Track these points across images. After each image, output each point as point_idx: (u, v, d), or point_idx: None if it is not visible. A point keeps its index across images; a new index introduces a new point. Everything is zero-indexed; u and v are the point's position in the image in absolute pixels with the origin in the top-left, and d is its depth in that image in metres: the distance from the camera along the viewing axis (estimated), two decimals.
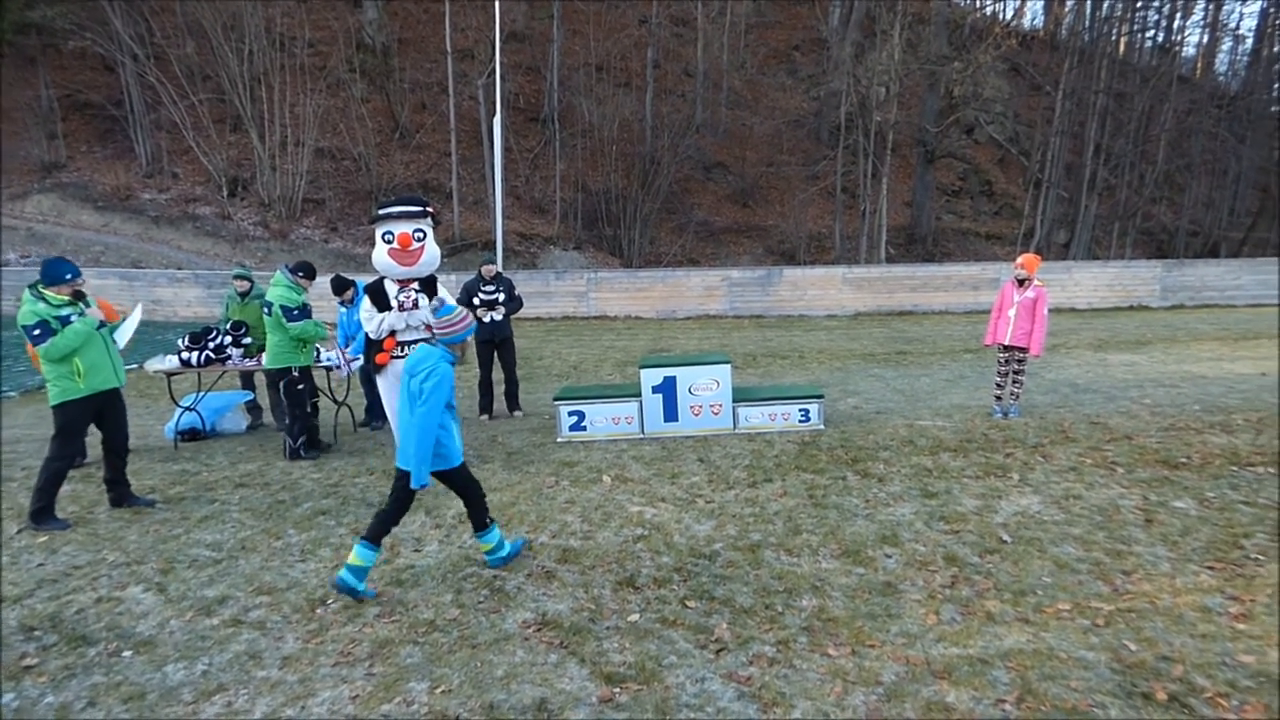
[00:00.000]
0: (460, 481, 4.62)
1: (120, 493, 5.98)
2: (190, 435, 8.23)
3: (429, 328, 6.71)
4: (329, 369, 8.07)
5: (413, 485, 4.29)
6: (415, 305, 6.61)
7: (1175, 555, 4.56)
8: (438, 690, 3.39)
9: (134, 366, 10.99)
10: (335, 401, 8.29)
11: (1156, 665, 3.40)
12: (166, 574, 4.71)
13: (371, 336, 6.62)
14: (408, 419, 4.36)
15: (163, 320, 17.86)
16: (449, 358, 4.51)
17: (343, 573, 4.31)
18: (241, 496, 6.21)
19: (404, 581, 4.51)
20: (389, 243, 6.45)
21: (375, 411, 8.63)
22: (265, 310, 7.21)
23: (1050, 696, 3.19)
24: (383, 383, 6.74)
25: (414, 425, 4.27)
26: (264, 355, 8.09)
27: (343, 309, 8.50)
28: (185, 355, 7.89)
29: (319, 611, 4.16)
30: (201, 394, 8.32)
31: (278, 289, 7.17)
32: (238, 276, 8.58)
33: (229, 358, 8.04)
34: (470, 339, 4.83)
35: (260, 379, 9.06)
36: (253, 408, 8.92)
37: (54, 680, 3.55)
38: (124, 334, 6.46)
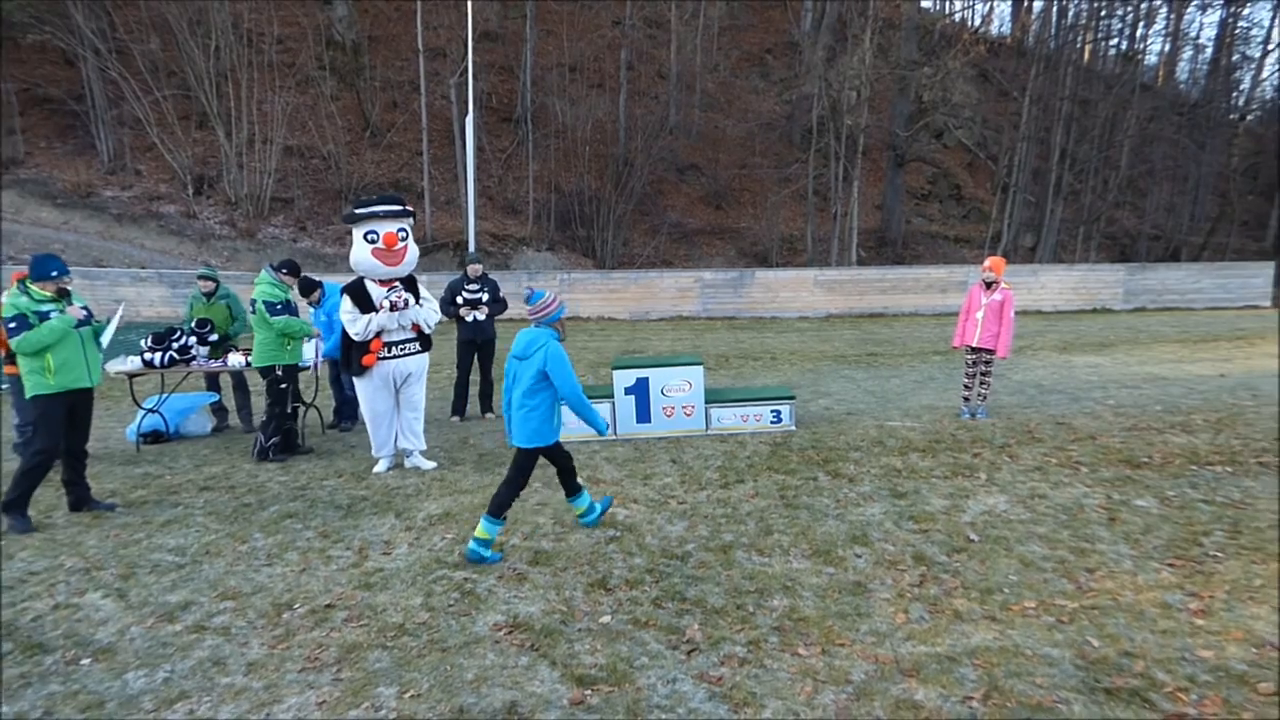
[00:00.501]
0: (554, 454, 5.07)
1: (79, 496, 5.86)
2: (153, 438, 8.08)
3: (415, 326, 6.63)
4: (300, 370, 7.97)
5: (602, 434, 5.13)
6: (406, 305, 6.55)
7: (1137, 553, 4.65)
8: (407, 695, 3.35)
9: None
10: (303, 403, 8.17)
11: (1119, 661, 3.46)
12: (127, 579, 4.61)
13: (358, 338, 6.40)
14: (519, 400, 4.85)
15: (125, 320, 17.53)
16: (555, 335, 4.95)
17: (585, 518, 5.27)
18: (206, 500, 6.10)
19: (373, 585, 4.45)
20: (372, 242, 6.31)
21: (344, 412, 8.54)
22: (250, 308, 7.22)
23: (1016, 693, 3.23)
24: (367, 385, 6.56)
25: (567, 394, 4.80)
26: (230, 356, 8.00)
27: (310, 310, 8.39)
28: (148, 356, 7.74)
29: (285, 616, 4.10)
30: (165, 396, 8.18)
31: (262, 285, 7.16)
32: (202, 277, 8.42)
33: (193, 358, 7.90)
34: (563, 318, 5.05)
35: (226, 380, 8.93)
36: (218, 410, 8.78)
37: (9, 690, 3.46)
38: (104, 335, 6.31)
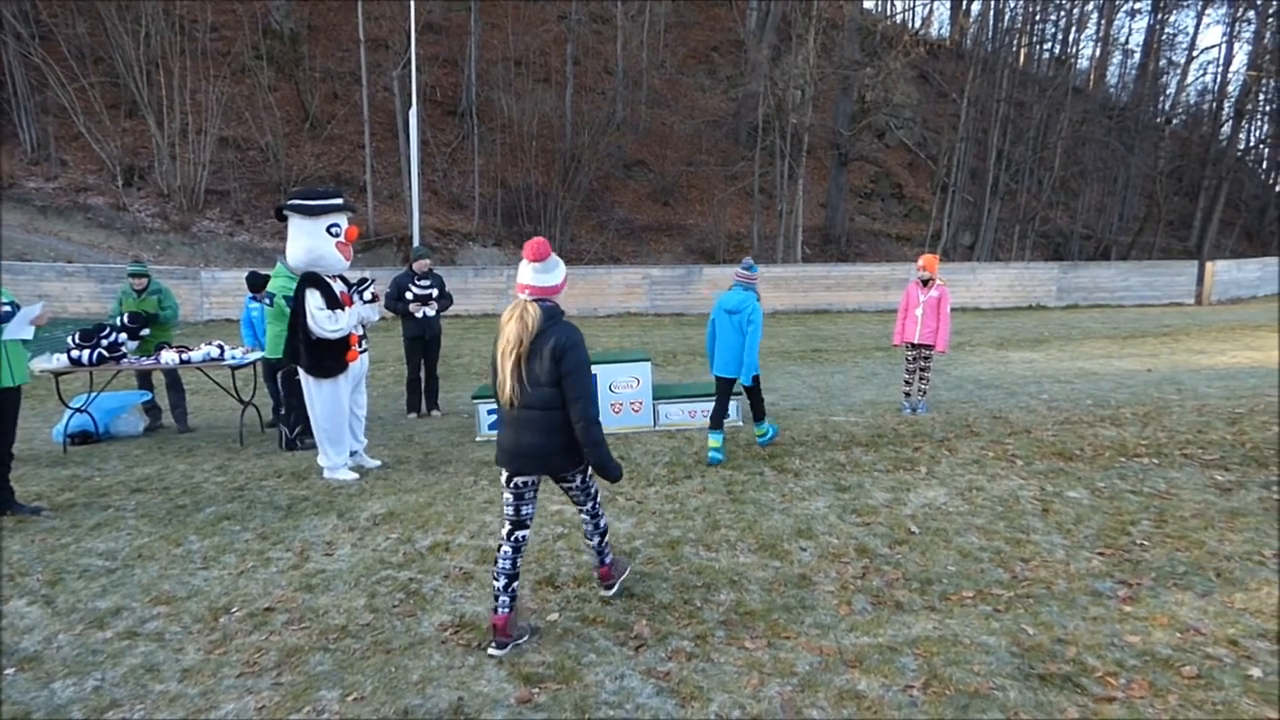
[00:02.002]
0: (754, 388, 6.80)
1: (2, 499, 5.61)
2: (81, 438, 7.79)
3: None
4: (235, 368, 7.74)
5: (745, 382, 6.67)
6: (376, 297, 6.48)
7: (1069, 542, 4.80)
8: (349, 698, 3.29)
9: None
10: (241, 401, 7.96)
11: (1052, 648, 3.57)
12: (54, 585, 4.44)
13: (336, 334, 6.05)
14: (734, 343, 6.58)
15: (50, 316, 16.82)
16: (757, 297, 6.68)
17: (761, 439, 7.07)
18: (138, 502, 5.90)
19: (314, 587, 4.36)
20: (336, 236, 6.06)
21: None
22: (267, 302, 7.10)
23: (954, 681, 3.31)
24: (335, 387, 6.20)
25: (749, 343, 6.48)
26: (163, 353, 7.73)
27: (255, 306, 8.16)
28: (75, 354, 7.43)
29: (222, 620, 3.99)
30: (93, 395, 7.88)
31: (279, 280, 7.00)
32: (134, 274, 8.11)
33: (123, 356, 7.63)
34: None
35: (159, 378, 8.64)
36: (151, 409, 8.49)
37: None
38: (16, 330, 5.82)
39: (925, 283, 8.19)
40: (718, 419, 6.70)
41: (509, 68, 28.25)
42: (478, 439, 7.62)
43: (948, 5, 41.56)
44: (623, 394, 7.74)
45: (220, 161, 23.54)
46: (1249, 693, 3.20)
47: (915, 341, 8.26)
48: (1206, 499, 5.52)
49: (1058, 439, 7.18)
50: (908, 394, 8.57)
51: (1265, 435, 7.08)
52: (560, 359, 3.52)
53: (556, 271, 3.72)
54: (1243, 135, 37.27)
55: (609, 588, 4.14)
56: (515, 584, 3.74)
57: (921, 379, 8.46)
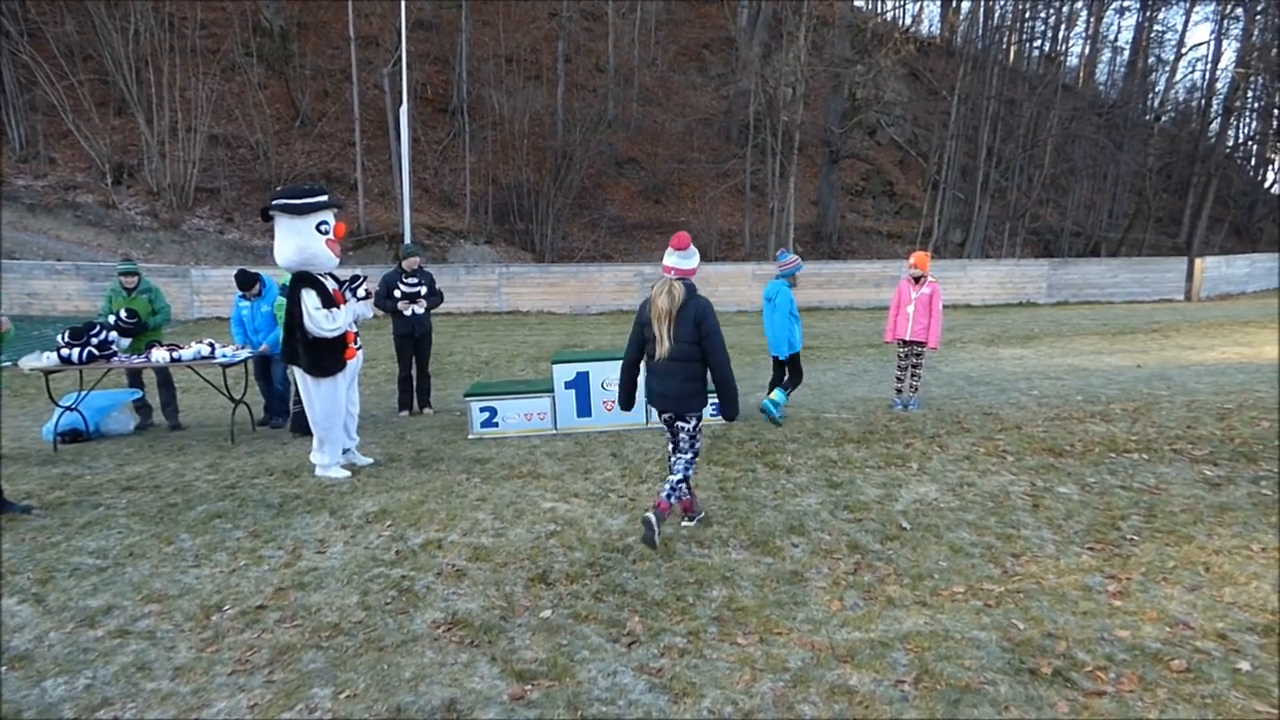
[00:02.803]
0: (793, 362, 8.01)
1: None
2: (71, 437, 7.74)
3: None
4: (226, 366, 7.71)
5: (781, 356, 7.94)
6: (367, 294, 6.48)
7: (1059, 538, 4.83)
8: (342, 695, 3.29)
9: (7, 364, 10.24)
10: (232, 400, 7.93)
11: (1042, 642, 3.59)
12: (45, 584, 4.42)
13: (333, 333, 6.04)
14: (782, 325, 7.80)
15: (40, 315, 16.72)
16: (789, 285, 7.89)
17: (768, 408, 7.83)
18: (129, 500, 5.88)
19: (306, 584, 4.35)
20: (325, 234, 6.02)
21: (274, 409, 8.32)
22: (282, 295, 7.10)
23: (946, 676, 3.33)
24: (333, 385, 6.21)
25: (780, 322, 7.76)
26: (154, 351, 7.69)
27: (245, 304, 8.12)
28: (65, 352, 7.38)
29: (214, 619, 3.98)
30: (83, 393, 7.83)
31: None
32: (124, 273, 8.07)
33: (114, 354, 7.58)
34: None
35: (150, 376, 8.61)
36: (141, 407, 8.45)
37: None
38: None
39: (917, 280, 8.22)
40: (792, 386, 8.09)
41: (500, 65, 28.20)
42: (470, 437, 7.61)
43: (938, 3, 41.66)
44: (615, 392, 7.71)
45: (210, 159, 23.41)
46: (1238, 686, 3.22)
47: (907, 338, 8.29)
48: (1196, 494, 5.56)
49: (1048, 435, 7.22)
50: (899, 390, 8.60)
51: (1254, 431, 7.14)
52: (700, 325, 4.63)
53: (694, 258, 4.83)
54: (1231, 132, 37.43)
55: (659, 520, 4.68)
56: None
57: (913, 376, 8.49)
